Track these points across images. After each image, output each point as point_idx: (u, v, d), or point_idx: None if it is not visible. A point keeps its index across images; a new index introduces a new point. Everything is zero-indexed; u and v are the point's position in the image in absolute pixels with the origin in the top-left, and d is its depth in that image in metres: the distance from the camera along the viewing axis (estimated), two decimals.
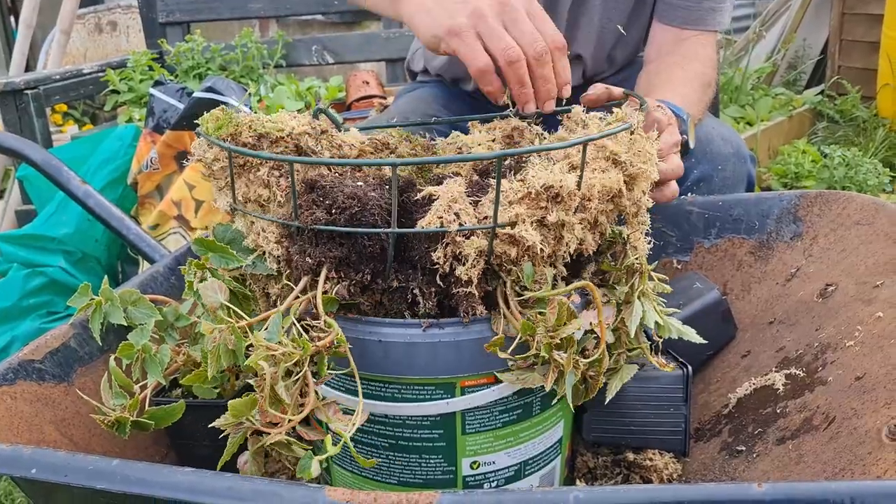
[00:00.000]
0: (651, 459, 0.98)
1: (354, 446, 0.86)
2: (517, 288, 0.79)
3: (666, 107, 1.10)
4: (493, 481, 0.87)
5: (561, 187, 0.77)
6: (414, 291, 0.80)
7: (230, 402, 0.72)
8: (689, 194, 1.30)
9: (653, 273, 0.90)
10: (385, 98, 2.64)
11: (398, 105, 1.65)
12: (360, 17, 4.53)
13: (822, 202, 1.13)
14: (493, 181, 0.79)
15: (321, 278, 0.78)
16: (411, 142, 1.01)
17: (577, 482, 1.00)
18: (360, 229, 0.76)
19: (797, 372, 0.96)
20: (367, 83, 2.71)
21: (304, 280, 0.80)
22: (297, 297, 0.80)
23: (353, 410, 0.75)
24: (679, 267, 1.22)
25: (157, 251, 1.27)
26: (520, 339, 0.77)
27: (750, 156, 1.38)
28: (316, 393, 0.74)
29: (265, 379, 0.71)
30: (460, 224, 0.75)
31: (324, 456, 0.70)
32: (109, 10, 4.23)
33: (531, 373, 0.79)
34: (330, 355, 0.75)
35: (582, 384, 0.85)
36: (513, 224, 0.76)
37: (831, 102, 4.18)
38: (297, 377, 0.73)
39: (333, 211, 0.77)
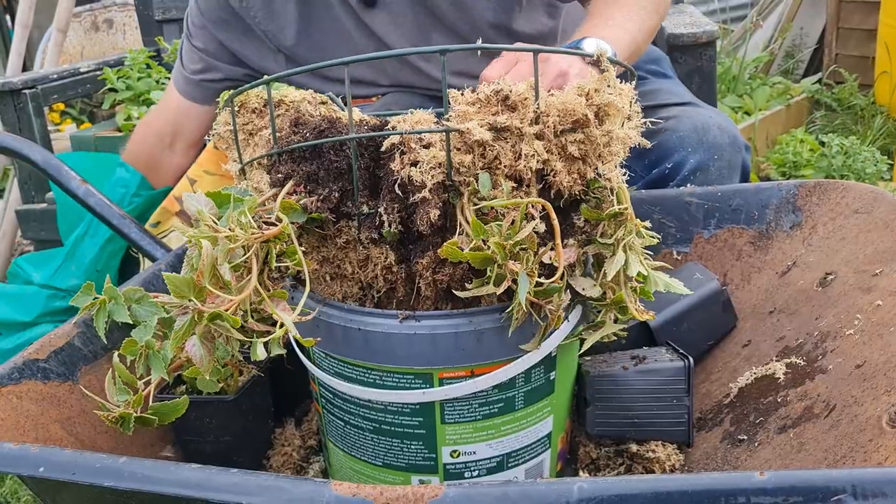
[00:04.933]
0: (654, 451, 0.99)
1: (343, 427, 0.91)
2: (475, 199, 0.81)
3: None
4: (473, 471, 0.89)
5: (511, 91, 0.79)
6: (381, 215, 0.82)
7: (169, 276, 0.74)
8: (689, 185, 1.30)
9: (642, 229, 0.89)
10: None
11: (385, 100, 1.69)
12: None
13: (821, 191, 1.14)
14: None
15: (286, 188, 0.83)
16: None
17: (580, 473, 1.01)
18: (323, 140, 0.81)
19: (798, 361, 0.96)
20: None
21: (272, 191, 0.84)
22: (262, 206, 0.84)
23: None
24: (679, 258, 1.22)
25: (159, 249, 1.28)
26: (474, 242, 0.77)
27: (745, 144, 1.39)
28: (266, 286, 0.79)
29: (206, 256, 0.74)
30: (419, 138, 0.80)
31: (267, 338, 0.75)
32: (105, 7, 4.22)
33: (486, 285, 0.79)
34: (279, 253, 0.80)
35: (542, 319, 0.83)
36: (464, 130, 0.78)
37: (829, 91, 4.18)
38: (240, 260, 0.77)
39: (307, 134, 0.83)
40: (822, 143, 3.41)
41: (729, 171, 1.34)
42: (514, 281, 0.77)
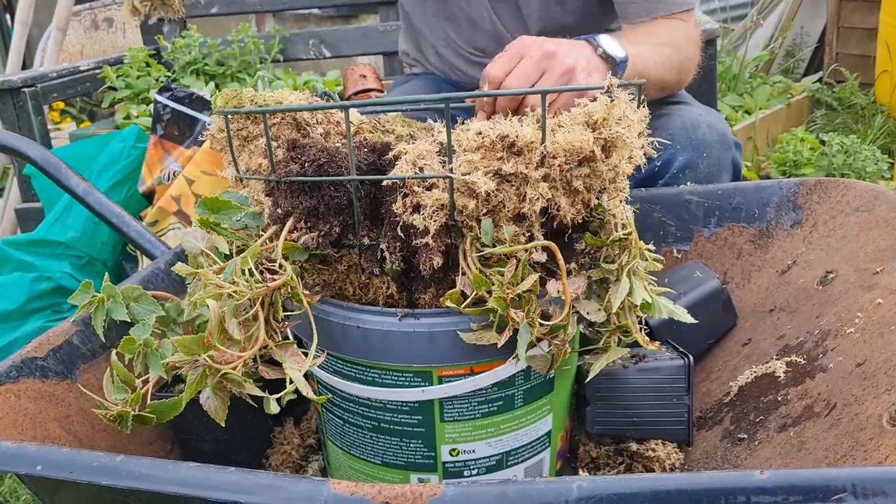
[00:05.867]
0: (654, 449, 0.98)
1: (342, 425, 0.91)
2: (477, 244, 0.80)
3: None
4: (473, 469, 0.88)
5: (517, 137, 0.77)
6: (382, 249, 0.81)
7: (177, 338, 0.74)
8: (678, 182, 1.29)
9: (647, 252, 0.89)
10: (383, 91, 2.63)
11: (390, 97, 1.68)
12: (356, 10, 4.51)
13: (822, 190, 1.13)
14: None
15: (287, 226, 0.82)
16: (410, 126, 1.02)
17: (580, 472, 1.00)
18: (324, 178, 0.80)
19: (798, 359, 0.96)
20: (365, 77, 2.69)
21: (273, 228, 0.83)
22: (264, 245, 0.83)
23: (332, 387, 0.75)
24: (679, 256, 1.22)
25: (157, 247, 1.27)
26: (474, 294, 0.77)
27: (735, 142, 1.38)
28: (275, 332, 0.78)
29: (214, 316, 0.74)
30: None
31: (279, 395, 0.74)
32: (105, 6, 4.22)
33: (489, 331, 0.79)
34: (284, 298, 0.79)
35: (548, 352, 0.82)
36: (468, 173, 0.77)
37: (829, 90, 4.17)
38: (247, 315, 0.77)
39: (305, 164, 0.81)
40: (823, 142, 3.41)
41: (718, 168, 1.33)
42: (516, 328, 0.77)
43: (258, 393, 0.76)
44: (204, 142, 2.12)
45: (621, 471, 1.00)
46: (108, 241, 2.12)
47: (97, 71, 2.65)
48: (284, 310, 0.80)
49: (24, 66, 3.18)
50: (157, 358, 0.83)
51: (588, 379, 0.92)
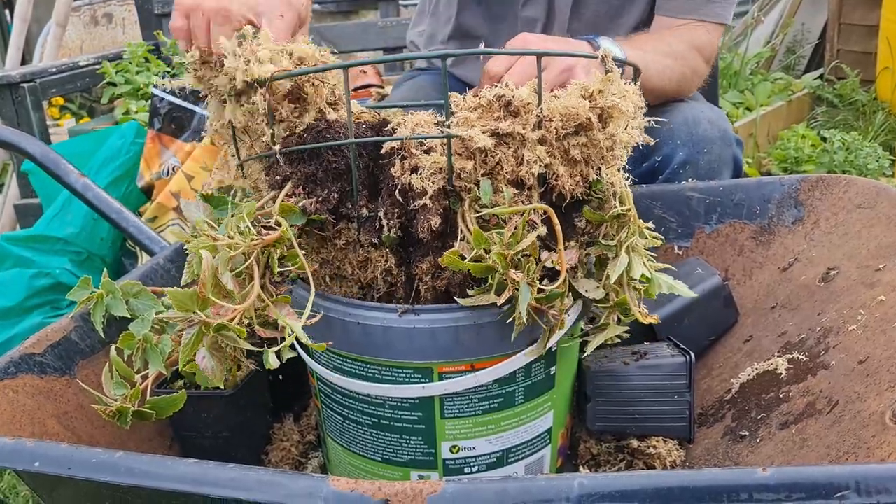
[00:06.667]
0: (655, 447, 0.98)
1: (342, 422, 0.91)
2: (476, 206, 0.79)
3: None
4: (473, 466, 0.88)
5: (513, 96, 0.78)
6: (381, 218, 0.81)
7: (172, 291, 0.73)
8: (678, 178, 1.29)
9: (646, 230, 0.88)
10: (382, 87, 2.62)
11: (398, 93, 1.67)
12: (356, 6, 4.50)
13: (823, 186, 1.13)
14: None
15: (285, 189, 0.81)
16: None
17: (581, 469, 1.00)
18: (322, 143, 0.79)
19: (800, 356, 0.95)
20: (365, 72, 2.69)
21: (271, 193, 0.83)
22: (261, 210, 0.82)
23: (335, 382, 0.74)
24: (680, 253, 1.22)
25: (156, 243, 1.27)
26: (475, 252, 0.76)
27: (736, 139, 1.37)
28: (269, 291, 0.77)
29: (207, 266, 0.73)
30: (420, 142, 0.78)
31: (278, 347, 0.74)
32: (105, 2, 4.21)
33: (488, 293, 0.78)
34: (280, 257, 0.78)
35: (545, 324, 0.82)
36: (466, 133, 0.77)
37: (830, 87, 4.17)
38: (242, 269, 0.76)
39: (304, 134, 0.81)
40: (824, 139, 3.41)
41: (719, 165, 1.33)
42: (517, 288, 0.76)
43: (252, 347, 0.75)
44: (202, 135, 2.12)
45: (622, 468, 1.00)
46: (107, 237, 2.12)
47: (96, 66, 2.65)
48: (280, 276, 0.80)
49: (24, 62, 3.17)
50: (156, 353, 0.82)
51: (585, 354, 0.91)
